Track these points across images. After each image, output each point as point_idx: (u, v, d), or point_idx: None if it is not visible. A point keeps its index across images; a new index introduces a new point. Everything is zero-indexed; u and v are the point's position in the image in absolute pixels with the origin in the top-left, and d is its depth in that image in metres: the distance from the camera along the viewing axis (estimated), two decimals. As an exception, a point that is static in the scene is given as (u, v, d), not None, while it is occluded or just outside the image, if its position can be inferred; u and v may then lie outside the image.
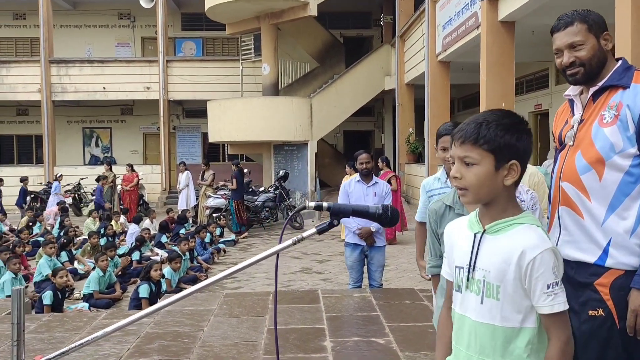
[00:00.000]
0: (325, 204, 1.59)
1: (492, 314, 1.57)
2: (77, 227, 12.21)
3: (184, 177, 14.83)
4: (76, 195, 17.30)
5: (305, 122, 15.97)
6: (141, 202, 16.23)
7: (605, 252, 2.00)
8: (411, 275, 7.75)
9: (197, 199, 14.60)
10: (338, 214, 1.58)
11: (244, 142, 16.61)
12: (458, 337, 1.67)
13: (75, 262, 9.21)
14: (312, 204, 1.59)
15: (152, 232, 11.11)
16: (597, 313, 1.98)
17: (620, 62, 2.11)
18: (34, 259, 9.27)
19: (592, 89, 2.09)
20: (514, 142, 1.55)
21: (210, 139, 17.15)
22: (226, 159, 20.05)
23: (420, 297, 5.33)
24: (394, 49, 17.55)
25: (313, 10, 15.61)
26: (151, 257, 9.15)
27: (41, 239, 10.30)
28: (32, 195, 16.73)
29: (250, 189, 13.74)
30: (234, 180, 12.55)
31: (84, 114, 22.04)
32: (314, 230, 1.56)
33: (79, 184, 17.60)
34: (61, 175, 16.87)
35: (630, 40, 5.44)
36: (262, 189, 14.31)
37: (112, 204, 14.90)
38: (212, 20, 17.59)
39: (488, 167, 1.55)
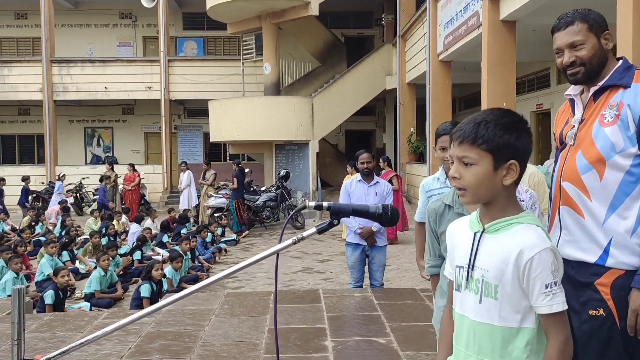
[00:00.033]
0: (325, 204, 1.59)
1: (491, 314, 1.56)
2: (79, 226, 12.22)
3: (185, 177, 14.85)
4: (77, 194, 17.32)
5: (306, 121, 15.97)
6: (143, 202, 16.25)
7: (606, 251, 2.00)
8: (412, 275, 7.74)
9: (198, 198, 14.61)
10: (338, 213, 1.58)
11: (245, 142, 16.62)
12: (457, 337, 1.66)
13: (77, 262, 9.23)
14: (312, 203, 1.59)
15: (154, 231, 11.12)
16: (598, 313, 1.98)
17: (620, 61, 2.11)
18: (36, 258, 9.28)
19: (593, 89, 2.09)
20: (513, 141, 1.54)
21: (212, 139, 17.16)
22: (227, 158, 20.06)
23: (422, 297, 5.33)
24: (395, 48, 17.54)
25: (314, 10, 15.60)
26: (152, 257, 9.16)
27: (43, 238, 10.32)
28: (34, 195, 16.75)
29: (252, 189, 13.74)
30: (235, 180, 12.55)
31: (86, 114, 22.06)
32: (314, 229, 1.56)
33: (81, 183, 17.62)
34: (64, 175, 16.90)
35: (632, 40, 5.43)
36: (263, 188, 14.32)
37: (114, 204, 14.91)
38: (214, 19, 17.59)
39: (486, 167, 1.54)
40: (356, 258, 5.53)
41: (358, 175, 5.68)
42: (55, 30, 19.99)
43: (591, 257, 2.02)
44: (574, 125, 2.13)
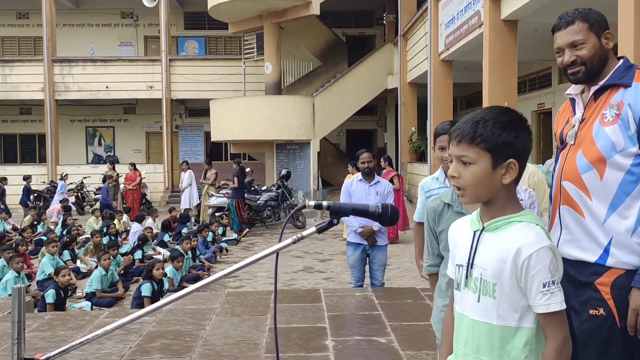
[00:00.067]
0: (325, 203, 1.58)
1: (489, 313, 1.55)
2: (80, 225, 12.23)
3: (186, 176, 14.86)
4: (79, 194, 17.34)
5: (307, 121, 15.97)
6: (144, 201, 16.26)
7: (606, 251, 1.99)
8: (413, 275, 7.74)
9: (199, 198, 14.62)
10: (338, 213, 1.58)
11: (247, 141, 16.63)
12: (457, 336, 1.66)
13: (78, 261, 9.24)
14: (312, 202, 1.59)
15: (155, 231, 11.13)
16: (598, 312, 1.98)
17: (621, 61, 2.10)
18: (37, 257, 9.29)
19: (594, 88, 2.09)
20: (512, 140, 1.53)
21: (213, 138, 17.17)
22: (229, 158, 20.06)
23: (422, 297, 5.33)
24: (396, 47, 17.54)
25: (315, 9, 15.60)
26: (153, 256, 9.17)
27: (44, 237, 10.33)
28: (35, 194, 16.76)
29: (253, 188, 13.75)
30: (235, 179, 12.56)
31: (87, 113, 22.08)
32: (313, 229, 1.55)
33: (82, 182, 17.64)
34: (66, 175, 16.92)
35: (633, 39, 5.42)
36: (264, 188, 14.32)
37: (116, 203, 14.93)
38: (215, 19, 17.60)
39: (485, 166, 1.53)
40: (357, 257, 5.53)
41: (359, 175, 5.68)
42: (56, 30, 20.00)
43: (591, 257, 2.02)
44: (574, 125, 2.13)
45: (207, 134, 20.14)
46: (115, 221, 11.76)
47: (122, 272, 8.29)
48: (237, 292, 6.54)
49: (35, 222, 12.29)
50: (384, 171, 10.79)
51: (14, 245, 8.86)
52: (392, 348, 4.01)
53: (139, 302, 6.53)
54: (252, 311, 4.98)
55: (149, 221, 11.92)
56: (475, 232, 1.62)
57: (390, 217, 1.60)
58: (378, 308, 4.96)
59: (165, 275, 7.18)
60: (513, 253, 1.51)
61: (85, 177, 17.96)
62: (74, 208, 15.88)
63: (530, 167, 3.15)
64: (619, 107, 1.99)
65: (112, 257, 7.89)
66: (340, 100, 16.84)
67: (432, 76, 13.32)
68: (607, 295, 1.97)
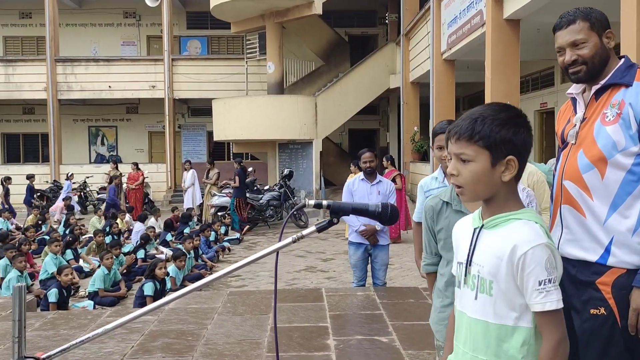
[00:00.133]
0: (325, 202, 1.58)
1: (486, 310, 1.54)
2: (83, 225, 12.26)
3: (189, 176, 14.87)
4: (81, 193, 17.37)
5: (310, 120, 15.97)
6: (146, 201, 16.28)
7: (607, 250, 1.99)
8: (415, 274, 7.73)
9: (202, 197, 14.63)
10: (338, 212, 1.58)
11: (249, 141, 16.63)
12: (457, 334, 1.65)
13: (81, 260, 9.25)
14: (312, 202, 1.59)
15: (157, 230, 11.15)
16: (599, 312, 1.98)
17: (622, 60, 2.10)
18: (40, 257, 9.31)
19: (595, 87, 2.09)
20: (511, 137, 1.51)
21: (215, 138, 17.18)
22: (231, 157, 20.08)
23: (424, 296, 5.32)
24: (399, 47, 17.52)
25: (318, 9, 15.59)
26: (156, 256, 9.18)
27: (47, 237, 10.35)
28: (38, 194, 16.79)
29: (255, 188, 13.76)
30: (237, 178, 12.56)
31: (90, 113, 22.11)
32: (313, 228, 1.56)
33: (85, 182, 17.67)
34: (72, 175, 16.96)
35: (636, 39, 5.41)
36: (266, 187, 14.33)
37: (119, 202, 14.96)
38: (217, 18, 17.61)
39: (484, 164, 1.52)
40: (359, 257, 5.53)
41: (361, 174, 5.68)
42: (59, 30, 20.03)
43: (592, 256, 2.02)
44: (575, 124, 2.13)
45: (210, 134, 20.15)
46: (118, 220, 11.78)
47: (124, 271, 8.30)
48: (239, 291, 6.55)
49: (40, 222, 12.32)
50: (387, 171, 10.79)
51: (16, 245, 8.88)
52: (394, 347, 4.01)
53: (141, 302, 6.54)
54: (254, 310, 4.99)
55: (151, 220, 11.94)
56: (475, 229, 1.61)
57: (390, 216, 1.60)
58: (380, 307, 4.96)
59: (167, 274, 7.20)
60: (509, 250, 1.49)
61: (88, 177, 17.99)
62: (78, 208, 15.92)
63: (530, 167, 3.14)
64: (620, 107, 1.99)
65: (114, 257, 7.90)
66: (343, 100, 16.83)
67: (435, 76, 13.31)
68: (608, 294, 1.97)
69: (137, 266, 8.74)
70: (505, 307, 1.51)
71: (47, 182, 18.58)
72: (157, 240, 10.52)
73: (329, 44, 19.53)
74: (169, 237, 11.04)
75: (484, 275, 1.54)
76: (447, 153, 1.61)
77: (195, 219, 13.20)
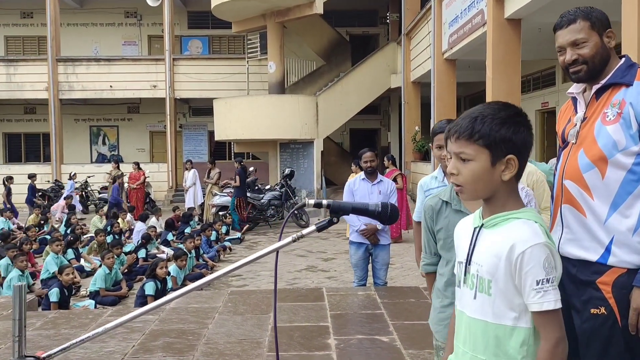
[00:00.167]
0: (324, 202, 1.58)
1: (484, 310, 1.53)
2: (84, 224, 12.27)
3: (190, 175, 14.88)
4: (83, 193, 17.38)
5: (311, 120, 15.96)
6: (147, 200, 16.30)
7: (608, 250, 1.99)
8: (416, 274, 7.73)
9: (203, 197, 14.64)
10: (338, 211, 1.58)
11: (250, 141, 16.63)
12: (457, 333, 1.65)
13: (82, 260, 9.26)
14: (312, 201, 1.59)
15: (158, 230, 11.15)
16: (599, 311, 1.97)
17: (623, 59, 2.10)
18: (42, 256, 9.32)
19: (595, 87, 2.08)
20: (510, 135, 1.50)
21: (217, 137, 17.19)
22: (232, 157, 20.08)
23: (425, 296, 5.32)
24: (400, 46, 17.51)
25: (319, 8, 15.58)
26: (157, 255, 9.20)
27: (48, 236, 10.36)
28: (40, 193, 16.82)
29: (256, 187, 13.77)
30: (237, 177, 12.57)
31: (91, 112, 22.13)
32: (313, 227, 1.56)
33: (86, 182, 17.69)
34: (75, 174, 16.97)
35: (637, 39, 5.40)
36: (268, 187, 14.33)
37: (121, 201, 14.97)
38: (219, 18, 17.60)
39: (484, 163, 1.51)
40: (360, 256, 5.53)
41: (362, 174, 5.68)
42: (60, 29, 20.05)
43: (593, 256, 2.02)
44: (576, 124, 2.13)
45: (211, 133, 20.15)
46: (119, 220, 11.79)
47: (126, 270, 8.31)
48: (240, 290, 6.55)
49: (42, 222, 12.34)
50: (388, 170, 10.79)
51: (18, 244, 8.89)
52: (395, 347, 4.01)
53: (142, 301, 6.54)
54: (255, 310, 4.99)
55: (152, 220, 11.95)
56: (475, 228, 1.60)
57: (390, 215, 1.60)
58: (381, 307, 4.96)
59: (168, 274, 7.20)
60: (507, 249, 1.48)
61: (89, 176, 18.01)
62: (80, 207, 15.94)
63: (530, 166, 3.13)
64: (621, 106, 1.99)
65: (115, 256, 7.91)
66: (344, 100, 16.83)
67: (436, 75, 13.30)
68: (608, 294, 1.97)
69: (138, 266, 8.75)
70: (504, 307, 1.50)
71: (48, 181, 18.60)
72: (158, 240, 10.53)
73: (330, 44, 19.52)
74: (170, 236, 11.05)
75: (482, 275, 1.54)
76: (447, 152, 1.61)
77: (196, 218, 13.21)
